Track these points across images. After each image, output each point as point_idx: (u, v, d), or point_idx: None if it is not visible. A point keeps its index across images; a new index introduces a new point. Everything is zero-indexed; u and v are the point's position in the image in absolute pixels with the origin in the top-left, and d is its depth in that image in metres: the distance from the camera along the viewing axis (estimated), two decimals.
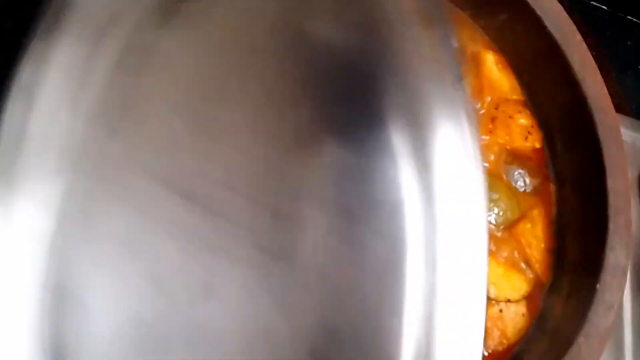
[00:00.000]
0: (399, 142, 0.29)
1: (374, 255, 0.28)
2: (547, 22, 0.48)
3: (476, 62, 0.51)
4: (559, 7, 0.49)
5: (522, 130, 0.51)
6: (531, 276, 0.47)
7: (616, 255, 0.44)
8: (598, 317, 0.43)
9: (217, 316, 0.29)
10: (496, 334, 0.45)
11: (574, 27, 0.49)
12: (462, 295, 0.28)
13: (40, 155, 0.29)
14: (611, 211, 0.45)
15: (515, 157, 0.50)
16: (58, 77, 0.30)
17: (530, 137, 0.51)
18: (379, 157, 0.29)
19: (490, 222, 0.47)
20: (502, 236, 0.47)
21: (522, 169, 0.50)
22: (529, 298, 0.47)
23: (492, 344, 0.45)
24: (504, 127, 0.50)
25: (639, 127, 0.71)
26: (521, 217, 0.48)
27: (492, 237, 0.47)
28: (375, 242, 0.28)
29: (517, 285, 0.46)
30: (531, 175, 0.50)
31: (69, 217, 0.29)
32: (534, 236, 0.48)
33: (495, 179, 0.49)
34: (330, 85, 0.30)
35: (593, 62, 0.48)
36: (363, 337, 0.28)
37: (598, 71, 0.48)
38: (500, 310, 0.46)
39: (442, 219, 0.29)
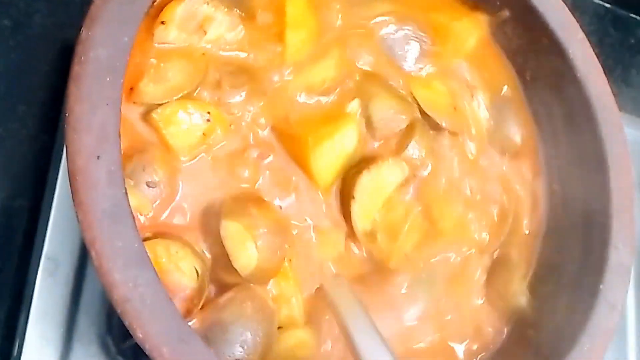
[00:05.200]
0: None
1: None
2: (549, 20, 0.48)
3: None
4: (561, 4, 0.49)
5: None
6: None
7: (620, 254, 0.44)
8: (601, 318, 0.42)
9: None
10: None
11: (577, 25, 0.49)
12: None
13: None
14: (614, 210, 0.45)
15: None
16: None
17: None
18: None
19: None
20: None
21: None
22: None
23: None
24: None
25: None
26: None
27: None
28: None
29: None
30: None
31: None
32: None
33: None
34: None
35: (596, 59, 0.48)
36: None
37: (601, 69, 0.48)
38: None
39: None
